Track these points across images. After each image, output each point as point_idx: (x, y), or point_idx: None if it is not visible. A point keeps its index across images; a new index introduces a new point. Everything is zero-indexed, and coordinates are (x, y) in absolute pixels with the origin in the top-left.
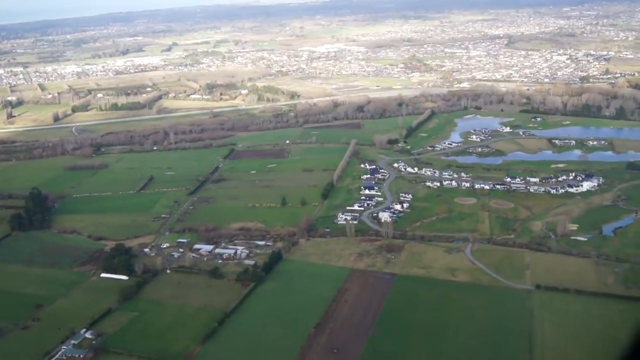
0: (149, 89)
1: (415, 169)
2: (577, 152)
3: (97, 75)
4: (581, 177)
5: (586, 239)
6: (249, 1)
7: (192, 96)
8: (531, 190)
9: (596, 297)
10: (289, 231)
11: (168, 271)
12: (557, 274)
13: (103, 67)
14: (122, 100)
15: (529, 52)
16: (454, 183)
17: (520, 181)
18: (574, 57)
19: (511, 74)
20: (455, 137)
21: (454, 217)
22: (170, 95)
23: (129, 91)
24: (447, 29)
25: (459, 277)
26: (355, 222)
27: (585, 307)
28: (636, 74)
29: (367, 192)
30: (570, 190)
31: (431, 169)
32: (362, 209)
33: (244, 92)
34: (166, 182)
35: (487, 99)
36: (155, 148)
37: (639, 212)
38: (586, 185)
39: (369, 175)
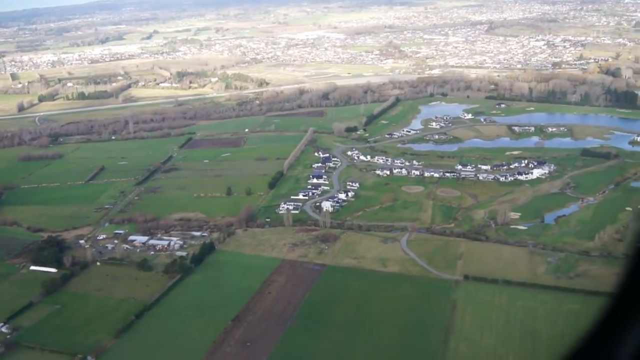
0: (120, 77)
1: (368, 157)
2: (535, 138)
3: (72, 64)
4: (533, 164)
5: (526, 228)
6: None
7: (162, 84)
8: (480, 178)
9: (523, 287)
10: (228, 221)
11: (98, 263)
12: (489, 264)
13: (80, 55)
14: (91, 89)
15: (507, 38)
16: (404, 171)
17: (472, 169)
18: (551, 42)
19: (485, 60)
20: (416, 125)
21: (398, 205)
22: (140, 83)
23: (99, 80)
24: (431, 15)
25: (389, 268)
26: (296, 211)
27: (510, 298)
28: (610, 60)
29: (315, 180)
30: (520, 177)
31: (384, 157)
32: (306, 198)
33: (214, 80)
34: (117, 172)
35: (454, 86)
36: (113, 137)
37: (585, 200)
38: (536, 173)
39: (320, 164)
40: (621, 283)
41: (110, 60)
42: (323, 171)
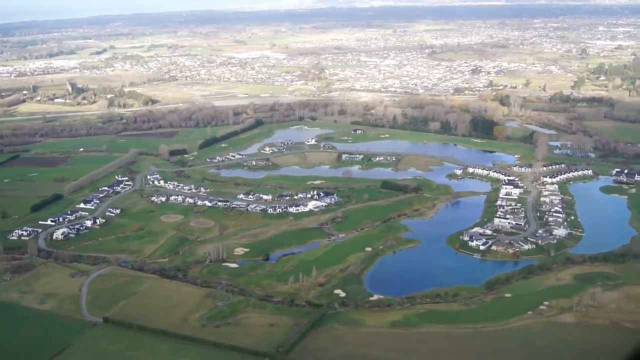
0: (25, 92)
1: (162, 182)
2: (356, 167)
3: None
4: (319, 195)
5: (237, 266)
6: (241, 7)
7: (56, 100)
8: (249, 209)
9: (152, 335)
10: None
11: None
12: (151, 306)
13: (15, 69)
14: None
15: (442, 63)
16: (179, 198)
17: (252, 198)
18: (479, 68)
19: (394, 83)
20: (252, 149)
21: (135, 236)
22: (36, 98)
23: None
24: (393, 37)
25: (44, 306)
26: (27, 237)
27: (128, 346)
28: (519, 87)
29: (82, 205)
30: (290, 210)
31: (175, 183)
32: (53, 223)
33: (110, 96)
34: None
35: (330, 110)
36: None
37: (333, 237)
38: (311, 205)
39: (105, 188)
40: None
41: (37, 74)
42: (100, 195)
